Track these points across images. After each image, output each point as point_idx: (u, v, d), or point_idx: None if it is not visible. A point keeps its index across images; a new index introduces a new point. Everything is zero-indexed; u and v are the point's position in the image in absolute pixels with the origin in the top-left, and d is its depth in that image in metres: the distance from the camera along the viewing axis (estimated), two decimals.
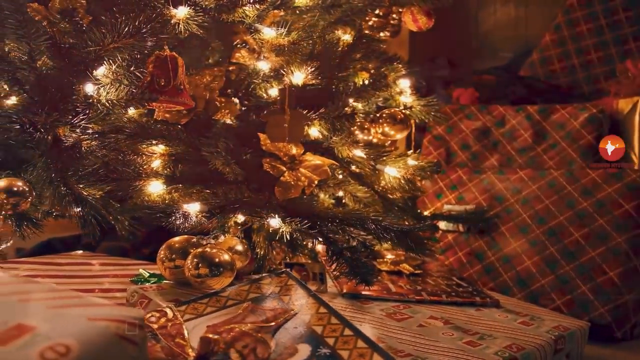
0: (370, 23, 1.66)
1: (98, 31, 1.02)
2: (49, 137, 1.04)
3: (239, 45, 1.32)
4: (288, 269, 0.90)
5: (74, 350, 0.46)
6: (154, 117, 1.19)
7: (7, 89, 1.16)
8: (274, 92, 1.27)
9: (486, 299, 1.15)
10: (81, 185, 1.00)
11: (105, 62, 1.05)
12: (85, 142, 1.06)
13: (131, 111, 1.19)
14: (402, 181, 1.23)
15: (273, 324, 0.75)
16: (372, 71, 1.42)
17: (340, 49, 1.23)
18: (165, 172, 1.14)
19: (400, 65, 1.43)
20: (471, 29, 2.12)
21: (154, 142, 1.12)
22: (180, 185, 1.14)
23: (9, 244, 0.96)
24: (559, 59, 1.86)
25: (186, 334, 0.73)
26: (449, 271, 1.31)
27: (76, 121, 1.04)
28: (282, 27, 1.12)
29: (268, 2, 1.07)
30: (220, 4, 1.10)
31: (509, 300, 1.20)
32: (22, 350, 0.46)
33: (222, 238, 1.01)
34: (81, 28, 1.13)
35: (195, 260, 0.95)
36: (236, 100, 1.29)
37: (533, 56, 1.90)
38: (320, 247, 1.30)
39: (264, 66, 1.27)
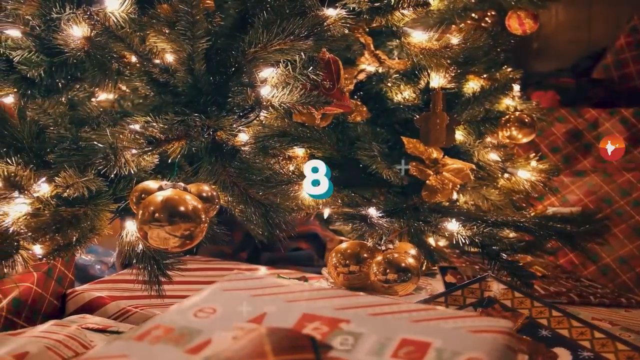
0: (462, 25, 1.66)
1: (263, 32, 1.00)
2: (209, 140, 1.02)
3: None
4: (490, 272, 0.90)
5: None
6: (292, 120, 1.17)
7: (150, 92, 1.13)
8: (404, 95, 1.26)
9: (631, 299, 1.17)
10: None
11: (264, 63, 1.03)
12: (247, 146, 1.04)
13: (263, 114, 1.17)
14: (538, 183, 1.24)
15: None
16: (483, 75, 1.43)
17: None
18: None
19: (509, 69, 1.44)
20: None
21: (305, 145, 1.11)
22: None
23: None
24: (635, 61, 1.89)
25: None
26: (572, 272, 1.33)
27: (236, 125, 1.02)
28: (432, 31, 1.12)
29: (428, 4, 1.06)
30: (375, 7, 1.09)
31: None
32: None
33: (396, 243, 1.00)
34: (231, 29, 1.11)
35: (383, 266, 0.94)
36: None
37: (607, 59, 1.93)
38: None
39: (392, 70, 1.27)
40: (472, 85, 1.40)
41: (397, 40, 1.41)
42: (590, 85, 1.80)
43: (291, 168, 1.22)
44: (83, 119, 1.08)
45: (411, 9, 1.06)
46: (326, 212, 1.19)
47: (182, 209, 0.81)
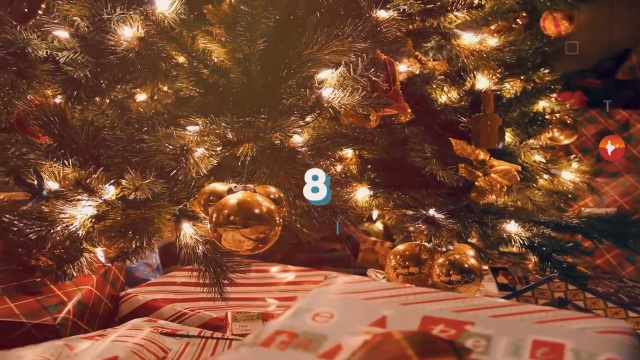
0: (493, 27, 1.67)
1: (320, 34, 1.00)
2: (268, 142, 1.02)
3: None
4: (556, 273, 0.90)
5: None
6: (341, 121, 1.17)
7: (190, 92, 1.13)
8: (449, 96, 1.27)
9: None
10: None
11: (318, 65, 1.03)
12: (304, 147, 1.04)
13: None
14: (581, 184, 1.25)
15: None
16: (521, 77, 1.43)
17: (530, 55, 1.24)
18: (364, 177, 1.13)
19: (546, 71, 1.45)
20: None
21: (358, 147, 1.11)
22: (381, 190, 1.13)
23: None
24: None
25: None
26: (612, 273, 1.34)
27: (295, 126, 1.02)
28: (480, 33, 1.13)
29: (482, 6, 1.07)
30: (427, 8, 1.09)
31: None
32: None
33: (455, 244, 1.00)
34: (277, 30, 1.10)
35: (446, 267, 0.94)
36: None
37: (632, 59, 1.95)
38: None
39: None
40: (508, 86, 1.41)
41: (433, 42, 1.42)
42: (617, 86, 1.82)
43: (338, 169, 1.22)
44: (137, 120, 1.07)
45: (465, 10, 1.06)
46: (375, 214, 1.19)
47: (257, 211, 0.81)
